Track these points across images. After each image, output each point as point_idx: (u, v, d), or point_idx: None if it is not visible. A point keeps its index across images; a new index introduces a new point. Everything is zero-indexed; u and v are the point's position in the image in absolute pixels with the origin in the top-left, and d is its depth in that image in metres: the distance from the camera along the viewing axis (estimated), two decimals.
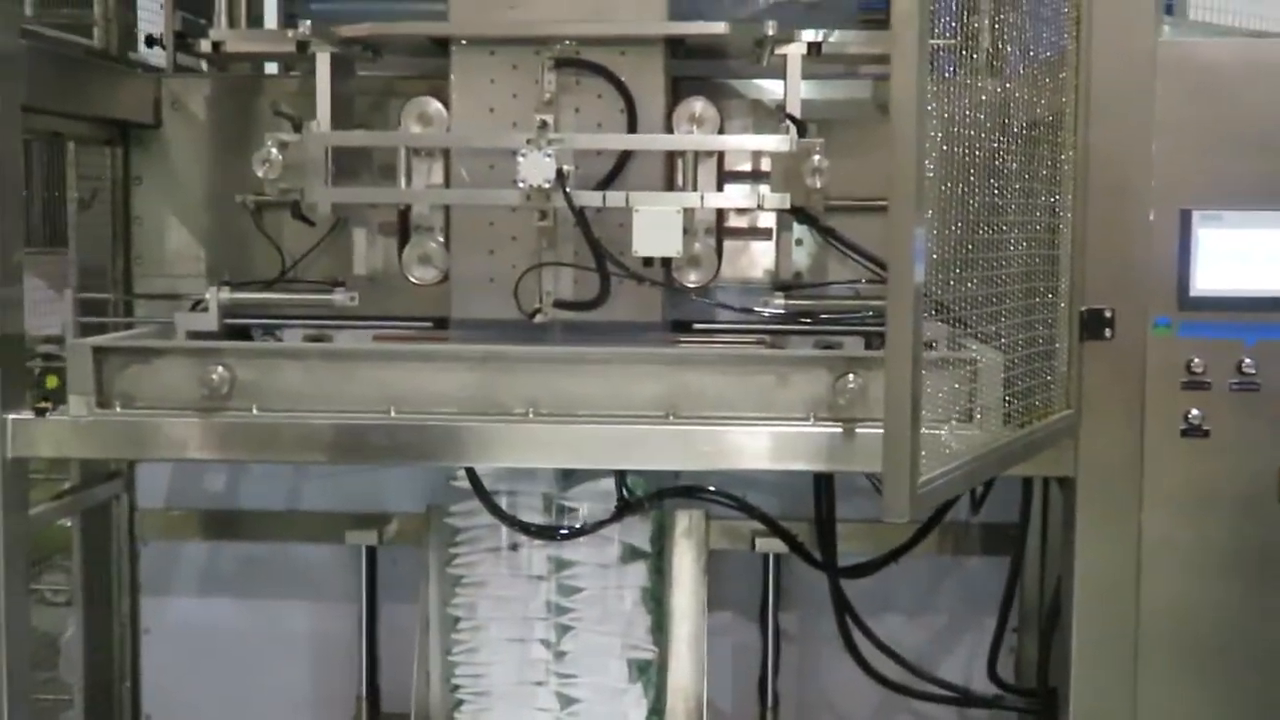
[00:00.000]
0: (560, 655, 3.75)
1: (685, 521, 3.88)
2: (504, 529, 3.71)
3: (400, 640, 3.96)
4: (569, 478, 3.75)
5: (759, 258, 3.86)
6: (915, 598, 3.96)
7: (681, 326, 3.67)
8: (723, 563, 3.94)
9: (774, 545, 3.81)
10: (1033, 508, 3.73)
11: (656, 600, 3.78)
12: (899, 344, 2.33)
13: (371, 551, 3.93)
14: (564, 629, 3.74)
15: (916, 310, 2.34)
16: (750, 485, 3.85)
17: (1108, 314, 3.02)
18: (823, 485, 3.80)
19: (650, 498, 3.71)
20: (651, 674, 3.77)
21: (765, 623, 3.90)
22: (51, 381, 3.52)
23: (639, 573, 3.76)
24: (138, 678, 4.12)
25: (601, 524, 3.67)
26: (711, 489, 3.77)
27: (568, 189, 3.30)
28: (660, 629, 3.79)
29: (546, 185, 3.28)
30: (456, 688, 3.79)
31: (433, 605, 3.86)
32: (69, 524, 4.35)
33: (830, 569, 3.78)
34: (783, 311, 3.53)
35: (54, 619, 4.35)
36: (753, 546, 3.84)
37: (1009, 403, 2.82)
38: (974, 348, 2.85)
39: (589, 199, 3.37)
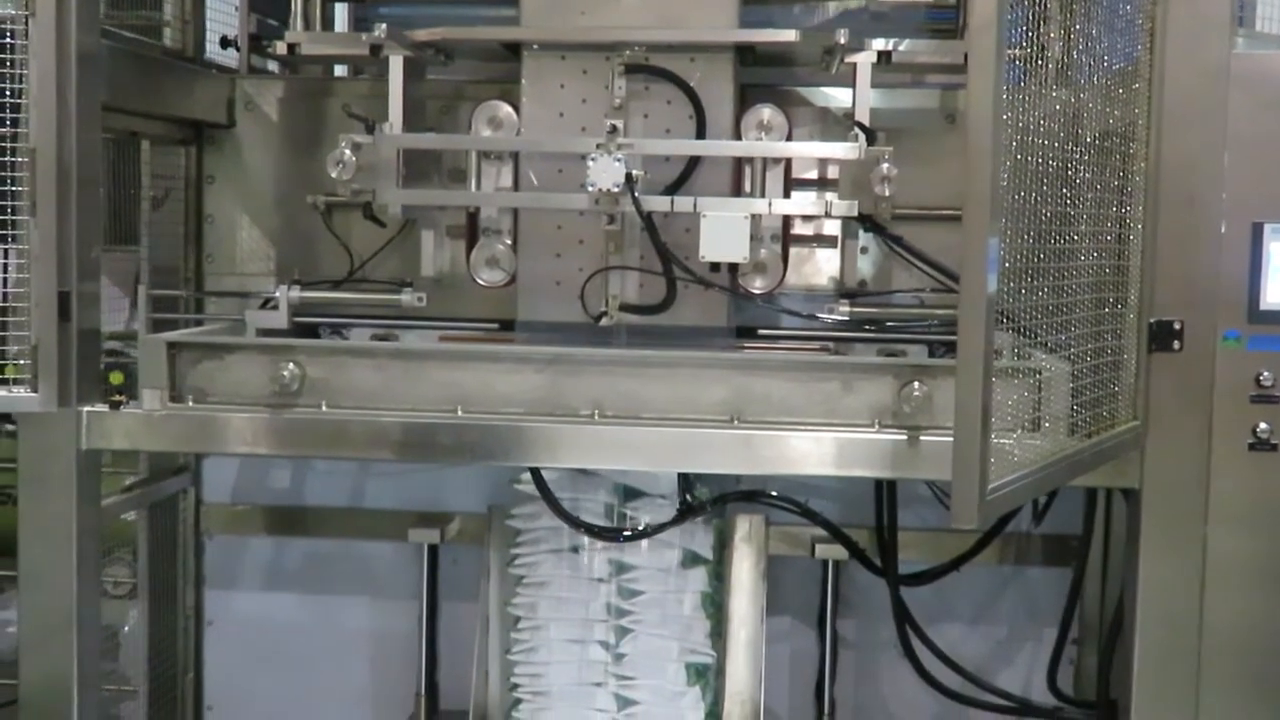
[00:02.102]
0: (619, 657, 3.77)
1: (745, 527, 3.89)
2: (566, 531, 3.73)
3: (459, 639, 3.99)
4: (631, 492, 3.77)
5: (824, 265, 3.87)
6: (974, 607, 3.95)
7: (746, 333, 3.69)
8: (782, 569, 3.95)
9: (834, 552, 3.81)
10: (1095, 520, 3.71)
11: (716, 606, 3.79)
12: (970, 350, 2.34)
13: (433, 550, 3.97)
14: (623, 631, 3.76)
15: (989, 318, 2.34)
16: (810, 492, 3.85)
17: (1177, 326, 3.01)
18: (884, 493, 3.79)
19: (712, 502, 3.72)
20: (709, 678, 3.78)
21: (823, 629, 3.90)
22: (116, 378, 3.56)
23: (699, 578, 3.78)
24: (200, 669, 4.17)
25: (663, 526, 3.69)
26: (773, 494, 3.77)
27: (636, 193, 3.32)
28: (719, 634, 3.80)
29: (615, 189, 3.30)
30: (515, 686, 3.81)
31: (493, 604, 3.89)
32: (132, 518, 4.41)
33: (891, 576, 3.77)
34: (847, 318, 3.54)
35: (116, 612, 4.40)
36: (813, 553, 3.85)
37: (1076, 412, 2.81)
38: (1041, 357, 2.84)
39: (657, 204, 3.39)
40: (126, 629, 4.61)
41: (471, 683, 3.89)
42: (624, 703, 3.76)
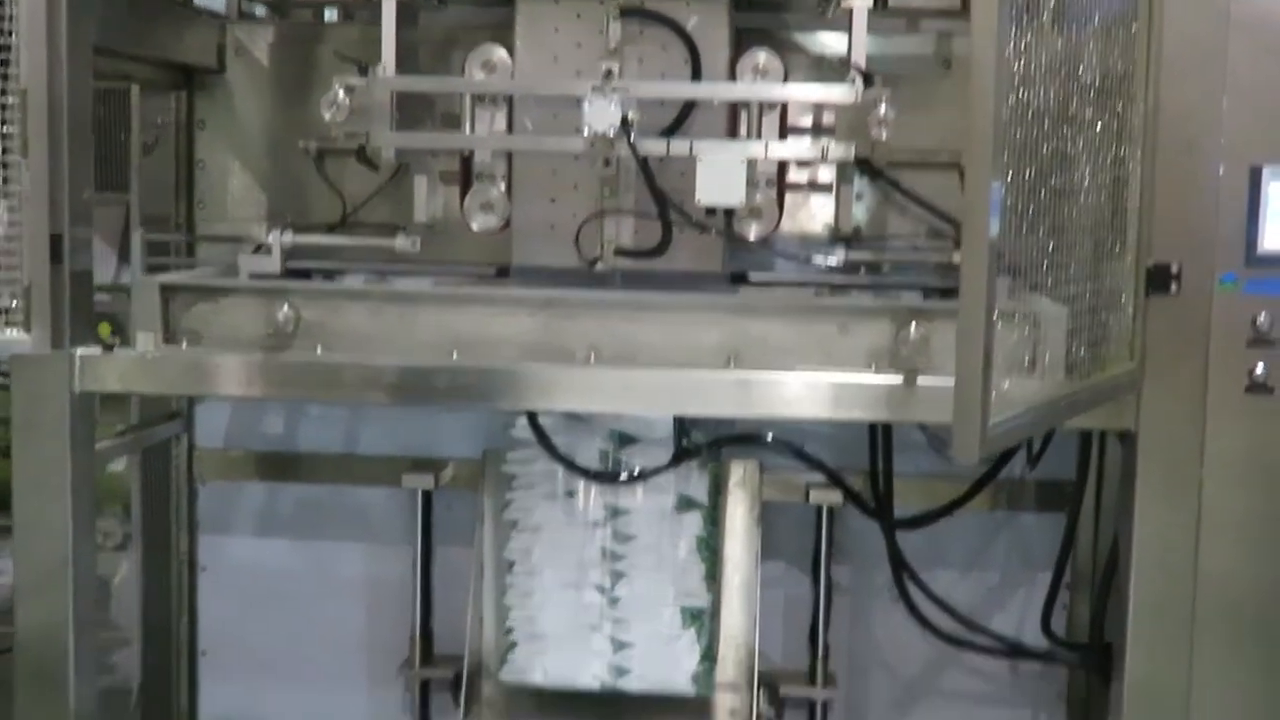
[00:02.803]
0: (614, 601, 3.78)
1: (740, 472, 3.90)
2: (560, 476, 3.74)
3: (454, 584, 3.99)
4: (626, 437, 3.77)
5: (819, 212, 3.86)
6: (968, 553, 3.96)
7: (740, 280, 3.68)
8: (776, 515, 3.95)
9: (828, 497, 3.82)
10: (1090, 463, 3.71)
11: (711, 550, 3.80)
12: (974, 276, 2.32)
13: (427, 496, 3.96)
14: (618, 575, 3.78)
15: (992, 247, 2.33)
16: (805, 439, 3.85)
17: (1174, 269, 3.00)
18: (878, 438, 3.79)
19: (708, 445, 3.72)
20: (704, 621, 3.79)
21: (817, 574, 3.91)
22: (104, 330, 3.55)
23: (694, 522, 3.79)
24: (195, 615, 4.17)
25: (659, 470, 3.69)
26: (769, 438, 3.77)
27: (632, 136, 3.31)
28: (714, 578, 3.81)
29: (610, 133, 3.29)
30: (510, 631, 3.82)
31: (487, 550, 3.90)
32: (122, 469, 4.41)
33: (886, 520, 3.78)
34: (842, 264, 3.54)
35: (107, 564, 4.41)
36: (806, 498, 3.85)
37: (1072, 354, 2.81)
38: (1039, 300, 2.84)
39: (653, 147, 3.38)
40: (117, 580, 4.63)
41: (466, 628, 3.90)
42: (619, 646, 3.78)
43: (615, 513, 3.78)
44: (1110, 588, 3.41)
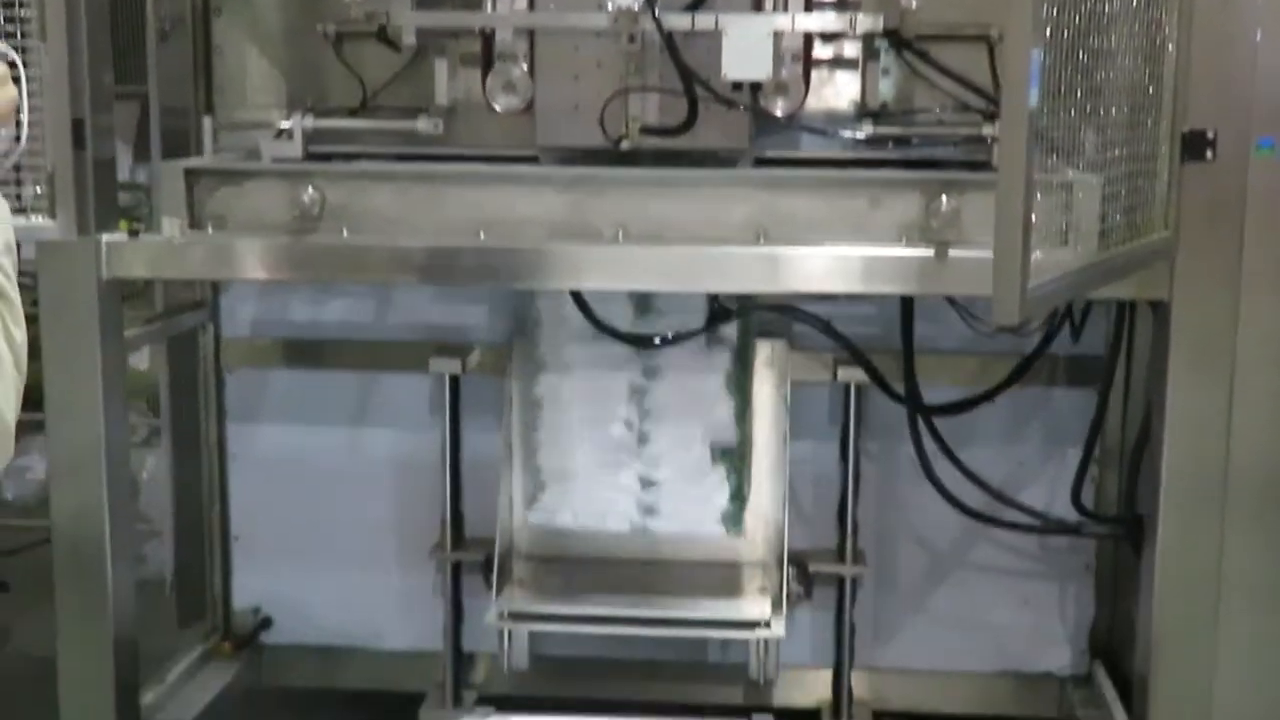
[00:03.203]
0: (643, 439, 3.79)
1: (767, 351, 3.89)
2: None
3: (482, 468, 4.00)
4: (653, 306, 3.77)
5: (844, 89, 3.79)
6: (996, 431, 3.96)
7: (766, 161, 3.64)
8: (805, 395, 3.95)
9: (856, 375, 3.81)
10: (1123, 335, 3.70)
11: (739, 387, 3.80)
12: (1014, 124, 2.28)
13: (455, 380, 3.96)
14: (646, 413, 3.79)
15: (1032, 115, 2.29)
16: (835, 322, 3.84)
17: (1210, 135, 2.96)
18: (908, 319, 3.77)
19: (739, 312, 3.72)
20: (733, 459, 3.80)
21: (845, 452, 3.92)
22: (123, 226, 3.54)
23: (723, 360, 3.79)
24: (226, 503, 4.20)
25: (693, 334, 3.71)
26: (799, 310, 3.76)
27: (656, 11, 3.26)
28: (743, 415, 3.81)
29: (634, 6, 3.24)
30: (539, 470, 3.84)
31: (515, 433, 3.91)
32: (147, 366, 4.42)
33: (911, 398, 3.77)
34: (869, 138, 3.49)
35: (135, 459, 4.43)
36: (834, 377, 3.85)
37: (1106, 221, 2.78)
38: (1072, 172, 2.81)
39: (677, 22, 3.32)
40: (146, 475, 4.66)
41: (497, 511, 3.92)
42: (647, 484, 3.80)
43: (644, 351, 3.78)
44: (1142, 461, 3.40)
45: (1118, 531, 3.69)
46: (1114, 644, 4.04)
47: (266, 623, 4.24)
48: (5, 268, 1.81)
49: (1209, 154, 2.97)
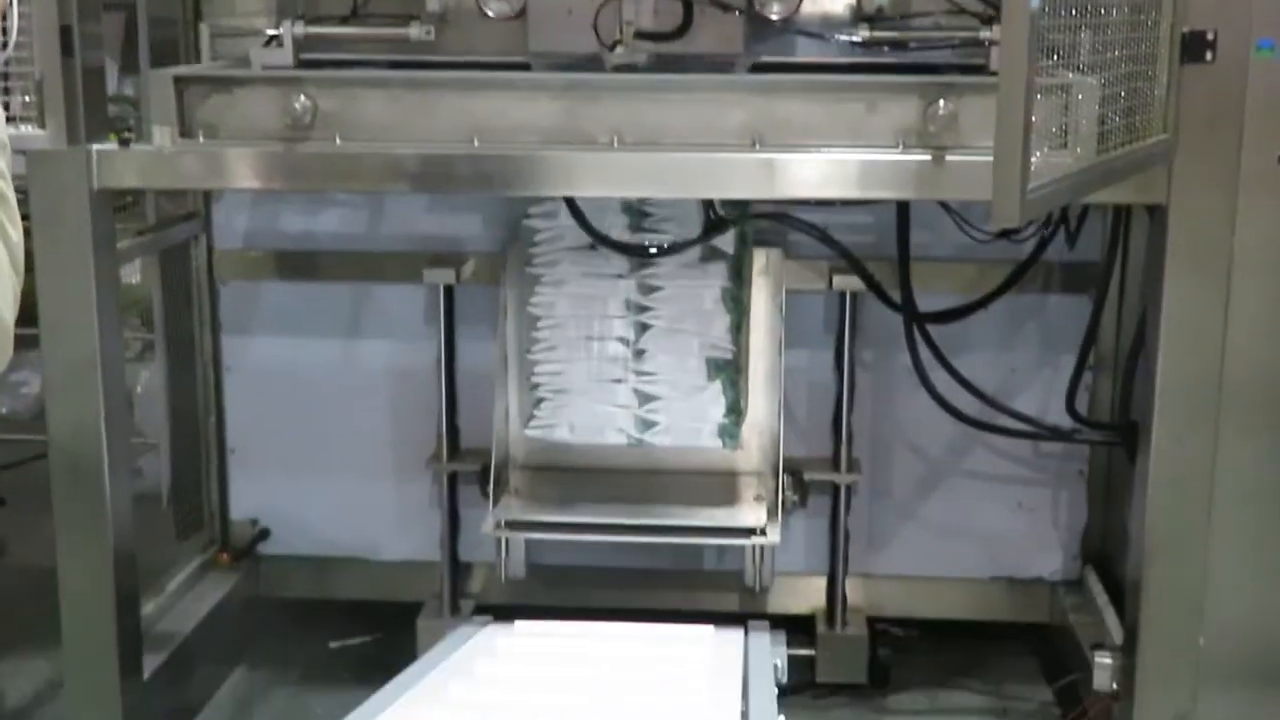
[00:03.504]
0: (639, 353, 3.79)
1: (763, 260, 3.88)
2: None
3: (478, 379, 4.01)
4: (649, 214, 3.75)
5: None
6: (990, 337, 3.96)
7: (761, 67, 3.61)
8: (800, 304, 3.95)
9: (852, 283, 3.81)
10: (1119, 240, 3.69)
11: (736, 300, 3.79)
12: (1015, 26, 2.26)
13: (449, 291, 3.95)
14: (643, 327, 3.78)
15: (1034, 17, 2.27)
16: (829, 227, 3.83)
17: (1209, 36, 2.93)
18: (904, 226, 3.76)
19: (736, 219, 3.71)
20: (730, 373, 3.81)
21: (840, 360, 3.92)
22: (111, 138, 3.51)
23: (719, 272, 3.77)
24: (222, 415, 4.20)
25: (689, 243, 3.69)
26: (795, 218, 3.75)
27: None
28: (739, 329, 3.81)
29: None
30: (536, 386, 3.84)
31: (510, 343, 3.91)
32: (140, 280, 4.40)
33: (907, 306, 3.76)
34: (865, 42, 3.46)
35: (129, 374, 4.41)
36: (830, 285, 3.85)
37: (1105, 124, 2.76)
38: (1070, 75, 2.78)
39: None
40: (140, 389, 4.64)
41: (492, 422, 3.93)
42: (645, 398, 3.80)
43: (640, 264, 3.77)
44: (1136, 366, 3.41)
45: (1112, 437, 3.70)
46: (1106, 549, 4.07)
47: (264, 534, 4.26)
48: (0, 167, 1.79)
49: (1209, 55, 2.94)
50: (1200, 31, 2.93)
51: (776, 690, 3.10)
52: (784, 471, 3.86)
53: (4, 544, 4.94)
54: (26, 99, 3.04)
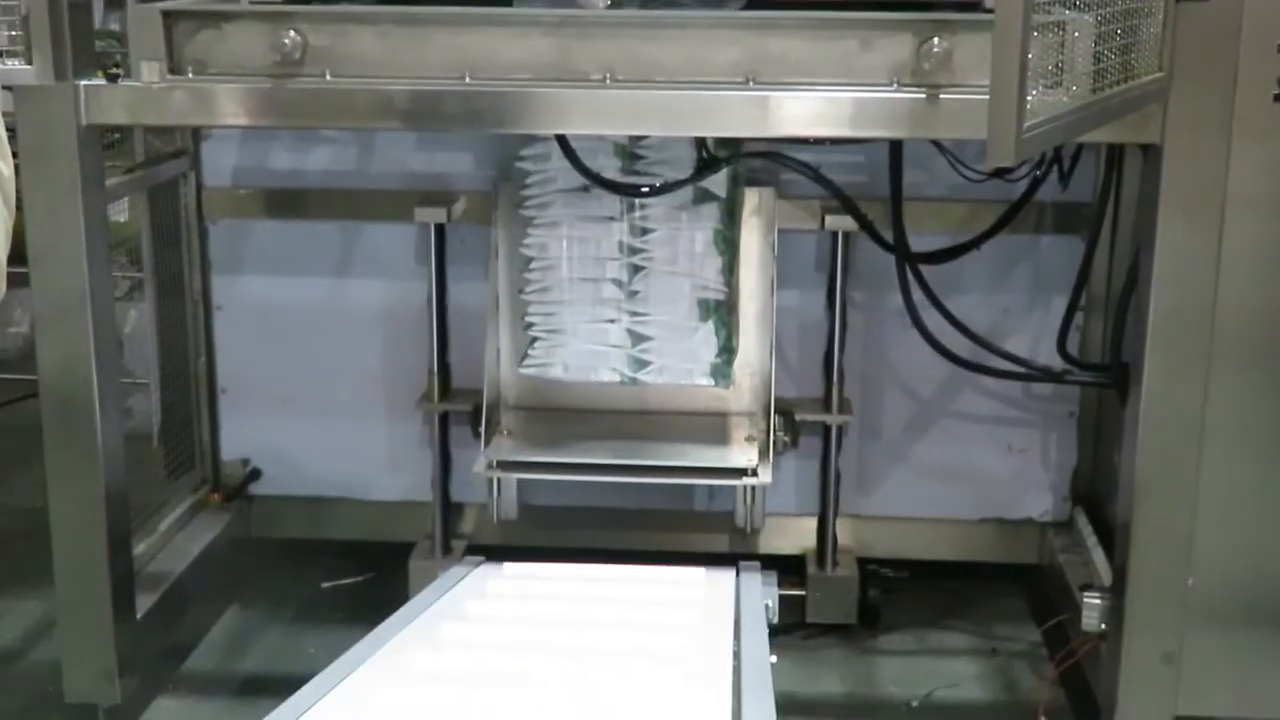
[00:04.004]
0: (632, 294, 3.79)
1: (755, 199, 3.87)
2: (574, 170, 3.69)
3: (469, 319, 4.01)
4: (640, 155, 3.74)
5: None
6: (981, 277, 3.96)
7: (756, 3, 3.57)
8: (793, 244, 3.94)
9: (844, 223, 3.80)
10: (1113, 180, 3.67)
11: (728, 242, 3.79)
12: None
13: (440, 229, 3.94)
14: (636, 269, 3.78)
15: None
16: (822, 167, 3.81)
17: None
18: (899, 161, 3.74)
19: (728, 158, 3.70)
20: (722, 314, 3.81)
21: (832, 300, 3.92)
22: (98, 74, 3.47)
23: (712, 214, 3.77)
24: (212, 354, 4.19)
25: (681, 182, 3.67)
26: (787, 157, 3.72)
27: None
28: (731, 270, 3.81)
29: None
30: (530, 325, 3.85)
31: (501, 282, 3.90)
32: (127, 218, 4.37)
33: (900, 247, 3.75)
34: None
35: (117, 313, 4.41)
36: (822, 225, 3.84)
37: (1100, 62, 2.74)
38: (1065, 12, 2.76)
39: None
40: (129, 329, 4.63)
41: (484, 361, 3.92)
42: (638, 339, 3.81)
43: (632, 206, 3.76)
44: (1128, 307, 3.40)
45: (1103, 379, 3.70)
46: (1095, 490, 4.09)
47: (255, 474, 4.26)
48: None
49: None
50: None
51: (768, 630, 3.11)
52: (775, 412, 3.87)
53: None
54: (13, 34, 3.00)
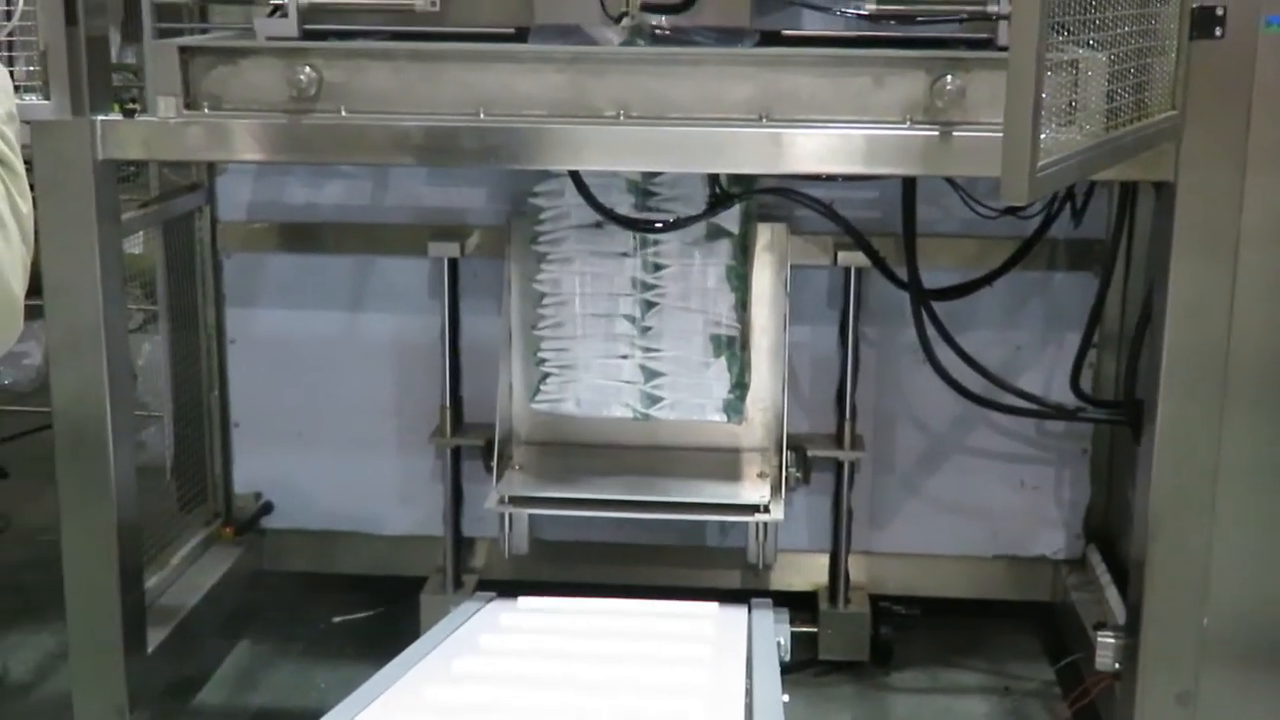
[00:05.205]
0: (645, 330, 3.80)
1: (767, 236, 3.87)
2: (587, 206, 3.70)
3: (482, 353, 4.01)
4: (653, 193, 3.75)
5: None
6: (994, 314, 3.96)
7: (769, 37, 3.59)
8: (805, 280, 3.94)
9: (857, 259, 3.80)
10: (1126, 217, 3.67)
11: (740, 278, 3.79)
12: (1026, 2, 2.25)
13: (453, 264, 3.95)
14: (649, 304, 3.79)
15: None
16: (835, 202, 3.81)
17: (1219, 11, 2.91)
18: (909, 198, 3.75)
19: (741, 194, 3.70)
20: (735, 350, 3.81)
21: (845, 336, 3.92)
22: (115, 108, 3.49)
23: (724, 250, 3.78)
24: (226, 387, 4.20)
25: (694, 218, 3.68)
26: (800, 193, 3.72)
27: None
28: (743, 306, 3.82)
29: None
30: (542, 361, 3.85)
31: (514, 317, 3.90)
32: (143, 250, 4.39)
33: (913, 283, 3.75)
34: (872, 15, 3.44)
35: (131, 345, 4.42)
36: (835, 261, 3.84)
37: (1114, 100, 2.75)
38: (1079, 51, 2.76)
39: None
40: (142, 361, 4.64)
41: (496, 396, 3.92)
42: (650, 374, 3.81)
43: (645, 242, 3.77)
44: (1142, 344, 3.40)
45: (1116, 416, 3.69)
46: (1109, 528, 4.07)
47: (267, 508, 4.26)
48: (8, 137, 1.77)
49: (1218, 31, 2.92)
50: (1210, 7, 2.91)
51: (780, 667, 3.10)
52: (787, 448, 3.86)
53: (7, 516, 4.94)
54: (31, 69, 3.03)
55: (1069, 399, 3.80)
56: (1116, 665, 3.35)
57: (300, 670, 4.02)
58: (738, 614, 3.42)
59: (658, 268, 3.79)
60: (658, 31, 3.30)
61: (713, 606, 3.46)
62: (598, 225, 3.73)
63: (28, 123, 3.04)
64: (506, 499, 3.80)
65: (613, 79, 3.07)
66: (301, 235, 4.08)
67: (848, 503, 4.02)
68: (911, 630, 4.09)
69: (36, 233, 2.65)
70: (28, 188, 1.78)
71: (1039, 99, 2.28)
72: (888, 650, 4.03)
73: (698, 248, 3.78)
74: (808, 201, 3.73)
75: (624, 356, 3.81)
